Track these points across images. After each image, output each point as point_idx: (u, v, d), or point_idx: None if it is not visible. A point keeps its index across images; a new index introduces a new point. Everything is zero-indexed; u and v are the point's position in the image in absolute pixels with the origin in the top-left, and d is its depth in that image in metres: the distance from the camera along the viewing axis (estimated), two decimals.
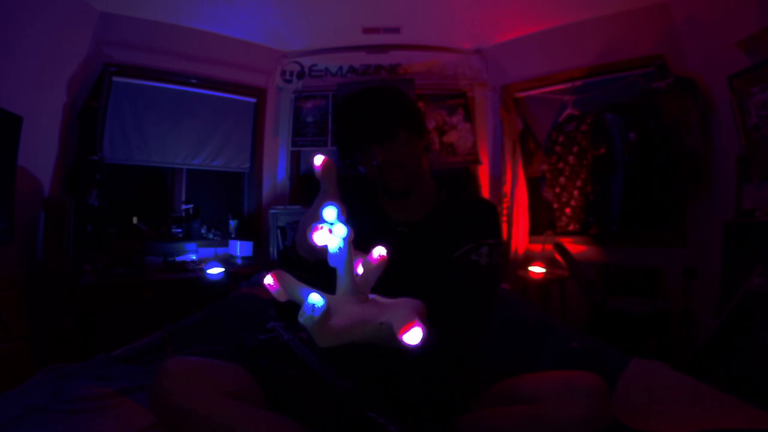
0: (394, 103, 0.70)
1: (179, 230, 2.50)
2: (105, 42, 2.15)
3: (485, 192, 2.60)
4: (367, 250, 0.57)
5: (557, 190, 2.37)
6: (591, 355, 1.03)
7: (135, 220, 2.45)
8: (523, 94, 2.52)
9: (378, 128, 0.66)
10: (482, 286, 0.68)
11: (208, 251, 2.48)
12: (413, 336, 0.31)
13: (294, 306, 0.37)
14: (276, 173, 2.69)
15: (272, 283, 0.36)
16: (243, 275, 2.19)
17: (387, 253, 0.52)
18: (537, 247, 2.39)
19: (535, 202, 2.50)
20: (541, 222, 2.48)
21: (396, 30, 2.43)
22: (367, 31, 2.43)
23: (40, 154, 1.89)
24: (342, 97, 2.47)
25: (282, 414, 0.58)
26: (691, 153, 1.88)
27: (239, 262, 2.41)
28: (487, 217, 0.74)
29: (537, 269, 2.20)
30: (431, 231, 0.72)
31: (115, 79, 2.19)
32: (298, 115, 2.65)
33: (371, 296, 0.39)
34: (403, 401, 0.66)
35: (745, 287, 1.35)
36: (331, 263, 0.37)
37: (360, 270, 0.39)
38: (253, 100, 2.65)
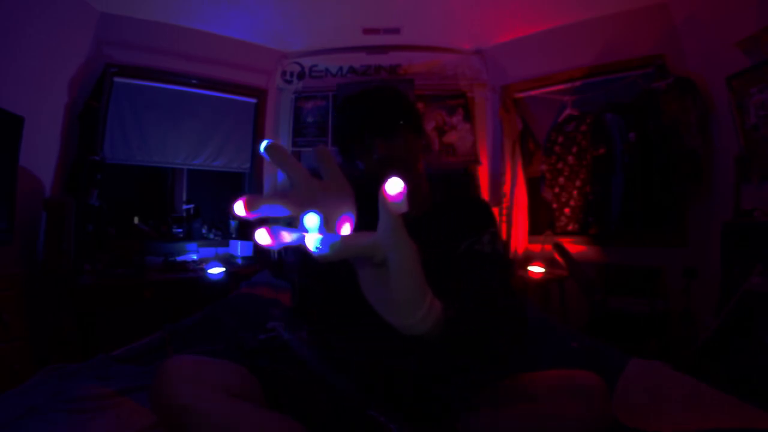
0: (396, 101, 0.72)
1: (180, 230, 2.51)
2: (106, 42, 2.15)
3: (485, 192, 2.61)
4: None
5: (556, 190, 2.37)
6: (591, 355, 1.04)
7: (136, 220, 2.45)
8: (522, 95, 2.52)
9: (381, 122, 0.68)
10: (492, 271, 0.66)
11: (208, 251, 2.48)
12: (393, 185, 0.31)
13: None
14: (276, 173, 2.69)
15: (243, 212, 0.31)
16: (243, 275, 2.19)
17: None
18: (536, 247, 2.39)
19: (535, 202, 2.50)
20: (541, 222, 2.48)
21: (396, 30, 2.43)
22: (367, 31, 2.43)
23: (41, 154, 1.89)
24: (344, 95, 2.48)
25: (282, 413, 0.58)
26: (691, 153, 1.88)
27: (240, 262, 2.41)
28: (483, 211, 0.77)
29: (536, 269, 2.20)
30: (429, 226, 0.73)
31: (116, 79, 2.20)
32: (299, 116, 2.65)
33: None
34: (404, 400, 0.66)
35: (745, 287, 1.35)
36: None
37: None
38: (254, 100, 2.66)
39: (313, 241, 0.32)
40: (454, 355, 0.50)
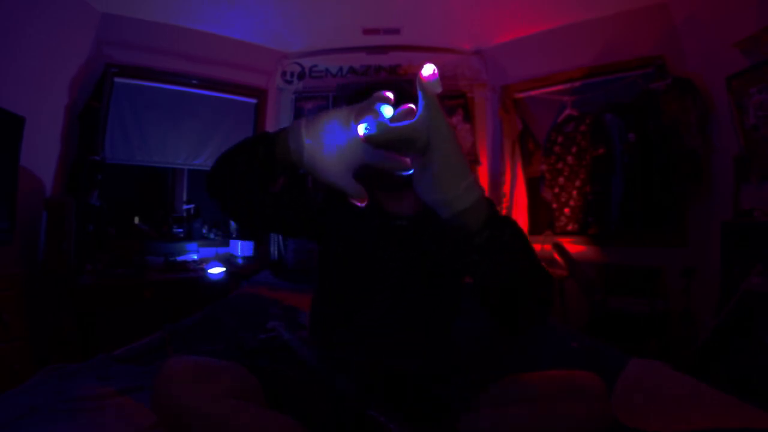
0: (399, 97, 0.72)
1: (180, 230, 2.51)
2: (106, 42, 2.15)
3: (485, 192, 2.61)
4: (367, 243, 0.57)
5: (556, 190, 2.37)
6: (591, 355, 1.04)
7: (136, 220, 2.46)
8: (522, 95, 2.52)
9: None
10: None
11: (209, 251, 2.49)
12: (426, 68, 0.38)
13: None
14: None
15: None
16: (244, 275, 2.19)
17: (390, 247, 0.49)
18: (536, 247, 2.39)
19: (535, 202, 2.50)
20: (541, 222, 2.48)
21: (396, 31, 2.44)
22: (367, 32, 2.43)
23: (42, 154, 1.89)
24: (348, 90, 2.46)
25: (283, 413, 0.58)
26: (691, 153, 1.88)
27: (240, 261, 2.42)
28: None
29: None
30: (428, 223, 0.73)
31: (117, 79, 2.20)
32: (299, 116, 2.65)
33: None
34: (404, 400, 0.66)
35: (744, 287, 1.35)
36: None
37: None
38: (254, 100, 2.66)
39: (362, 125, 0.39)
40: (488, 259, 0.44)
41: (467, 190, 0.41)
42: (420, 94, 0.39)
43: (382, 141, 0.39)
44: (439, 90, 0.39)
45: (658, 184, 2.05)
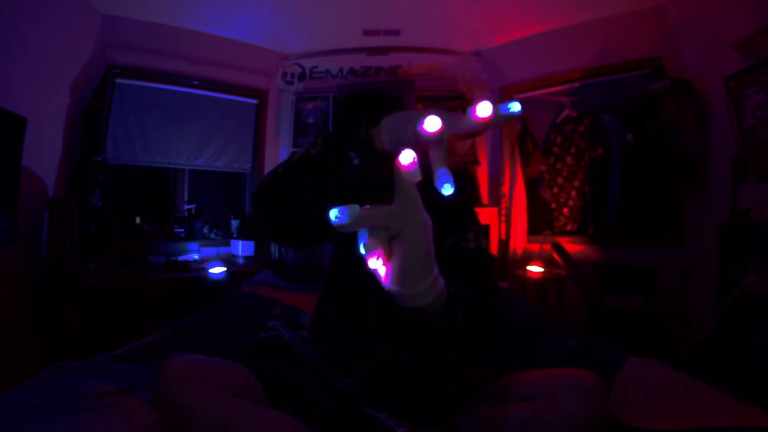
0: (394, 101, 0.73)
1: (182, 230, 2.52)
2: (108, 44, 2.16)
3: (484, 192, 2.62)
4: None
5: (555, 190, 2.38)
6: (589, 354, 1.04)
7: (138, 220, 2.47)
8: (521, 96, 2.53)
9: (366, 121, 0.69)
10: (478, 266, 0.68)
11: (210, 251, 2.50)
12: (405, 156, 0.34)
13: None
14: None
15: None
16: (245, 274, 2.20)
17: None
18: (535, 247, 2.40)
19: (534, 202, 2.51)
20: (540, 222, 2.49)
21: (396, 32, 2.45)
22: (368, 33, 2.44)
23: (44, 154, 1.90)
24: (345, 93, 2.49)
25: (283, 412, 0.59)
26: (688, 153, 1.89)
27: (241, 261, 2.43)
28: (467, 209, 0.78)
29: (535, 269, 2.21)
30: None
31: (119, 80, 2.21)
32: (299, 117, 2.66)
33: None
34: (403, 399, 0.67)
35: (741, 287, 1.36)
36: None
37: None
38: (255, 101, 2.67)
39: (333, 211, 0.35)
40: (440, 339, 0.48)
41: (428, 289, 0.40)
42: (397, 181, 0.37)
43: (354, 229, 0.36)
44: (418, 179, 0.36)
45: (655, 185, 2.06)
